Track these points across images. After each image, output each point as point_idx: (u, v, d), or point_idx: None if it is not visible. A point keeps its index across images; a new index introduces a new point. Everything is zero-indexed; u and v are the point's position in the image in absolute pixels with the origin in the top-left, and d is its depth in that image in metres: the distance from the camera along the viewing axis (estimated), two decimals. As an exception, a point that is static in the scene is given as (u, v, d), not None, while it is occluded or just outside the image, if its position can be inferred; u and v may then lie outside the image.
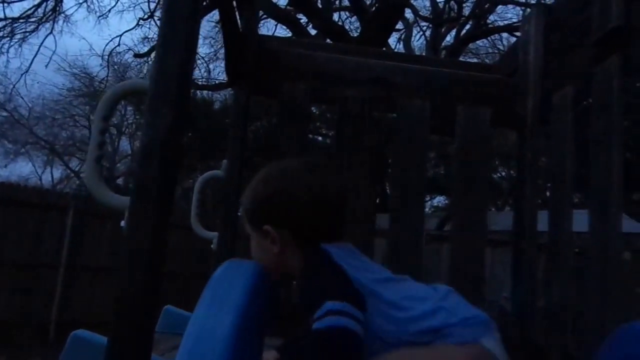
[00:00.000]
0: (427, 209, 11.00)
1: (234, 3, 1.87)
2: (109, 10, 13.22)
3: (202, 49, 12.28)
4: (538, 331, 1.67)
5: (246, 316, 0.75)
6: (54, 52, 13.18)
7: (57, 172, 20.04)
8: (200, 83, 12.35)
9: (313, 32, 9.83)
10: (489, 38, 13.08)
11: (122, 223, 1.07)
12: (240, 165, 2.01)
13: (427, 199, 10.93)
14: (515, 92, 1.91)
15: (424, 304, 1.06)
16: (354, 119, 1.96)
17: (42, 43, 12.43)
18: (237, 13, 1.94)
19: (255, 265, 0.88)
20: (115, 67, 14.73)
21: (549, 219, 1.66)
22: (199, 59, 12.84)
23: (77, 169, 17.24)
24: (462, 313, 1.07)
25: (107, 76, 13.66)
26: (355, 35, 9.37)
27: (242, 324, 0.73)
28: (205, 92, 12.96)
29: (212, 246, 3.02)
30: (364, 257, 1.15)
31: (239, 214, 1.18)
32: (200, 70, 13.21)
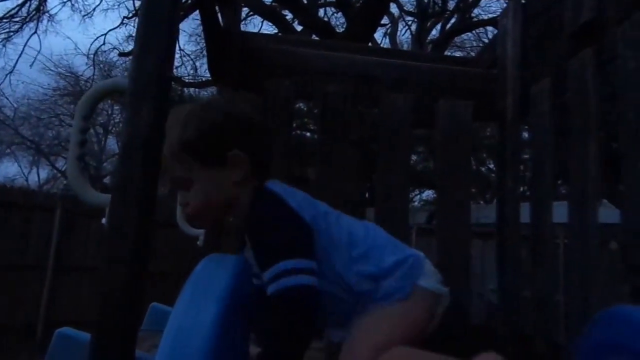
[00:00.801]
0: (416, 203, 11.06)
1: (215, 0, 1.88)
2: (94, 9, 13.11)
3: (188, 46, 12.25)
4: (524, 321, 1.70)
5: (227, 309, 0.76)
6: (38, 51, 13.05)
7: (44, 173, 19.89)
8: (186, 80, 12.31)
9: (299, 28, 9.82)
10: (474, 31, 13.14)
11: (103, 220, 1.08)
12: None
13: (416, 193, 10.98)
14: (495, 85, 1.93)
15: (364, 242, 1.15)
16: (338, 114, 1.97)
17: (26, 43, 12.31)
18: (218, 10, 1.94)
19: (236, 259, 0.89)
20: (101, 65, 14.63)
21: (531, 210, 1.69)
22: (184, 56, 12.79)
23: (63, 169, 17.08)
24: (391, 255, 1.15)
25: (92, 75, 13.56)
26: (341, 30, 9.37)
27: (223, 316, 0.74)
28: (192, 89, 12.90)
29: (198, 243, 3.03)
30: (297, 190, 1.18)
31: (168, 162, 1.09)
32: (186, 67, 13.16)
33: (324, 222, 1.13)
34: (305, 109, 9.05)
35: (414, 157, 9.25)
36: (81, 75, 15.31)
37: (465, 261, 1.89)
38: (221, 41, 1.93)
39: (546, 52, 1.77)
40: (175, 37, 1.10)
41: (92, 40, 16.34)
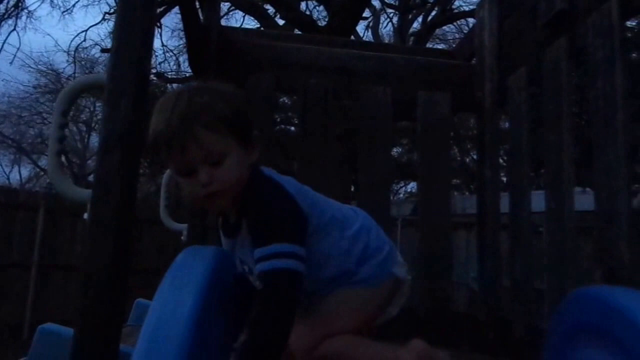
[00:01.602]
0: (401, 195, 11.12)
1: (194, -5, 1.88)
2: (73, 5, 12.91)
3: (171, 42, 12.15)
4: (503, 307, 1.73)
5: (206, 300, 0.77)
6: (18, 48, 12.88)
7: (26, 171, 19.65)
8: (169, 77, 12.21)
9: (281, 22, 9.79)
10: (455, 23, 13.19)
11: (85, 215, 1.09)
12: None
13: (401, 185, 11.02)
14: (473, 76, 1.96)
15: (353, 226, 1.21)
16: (319, 108, 1.98)
17: (5, 40, 12.11)
18: (198, 5, 1.94)
19: (215, 251, 0.91)
20: (83, 62, 14.45)
21: (509, 197, 1.72)
22: (168, 51, 12.68)
23: (46, 167, 16.91)
24: (374, 241, 1.23)
25: (74, 72, 13.39)
26: (323, 24, 9.36)
27: (201, 308, 0.74)
28: (175, 85, 12.81)
29: (182, 238, 3.03)
30: (289, 178, 1.20)
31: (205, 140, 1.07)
32: (169, 63, 13.04)
33: (316, 209, 1.17)
34: (289, 103, 9.04)
35: (398, 150, 9.29)
36: (62, 73, 15.11)
37: (447, 250, 1.93)
38: (201, 36, 1.93)
39: (522, 42, 1.80)
40: (152, 33, 1.11)
41: (73, 36, 16.11)
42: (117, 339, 1.06)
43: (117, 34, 1.03)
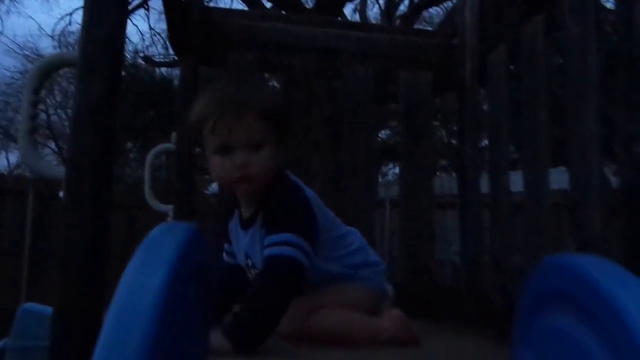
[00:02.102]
0: (390, 177, 11.16)
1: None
2: (58, -13, 12.73)
3: (159, 25, 12.00)
4: (484, 280, 1.77)
5: (177, 273, 0.76)
6: (1, 33, 12.69)
7: (14, 157, 19.48)
8: (157, 60, 12.10)
9: (269, 5, 9.71)
10: (441, 5, 13.13)
11: (61, 193, 1.09)
12: (191, 138, 2.02)
13: (390, 167, 11.06)
14: (454, 55, 1.96)
15: (354, 243, 1.36)
16: (301, 88, 1.98)
17: (-12, 24, 11.95)
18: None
19: (188, 227, 0.91)
20: (70, 47, 14.29)
21: (489, 176, 1.74)
22: (155, 35, 12.55)
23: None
24: (373, 257, 1.39)
25: (60, 57, 13.22)
26: (310, 6, 9.29)
27: (172, 280, 0.74)
28: (163, 69, 12.70)
29: (168, 219, 3.04)
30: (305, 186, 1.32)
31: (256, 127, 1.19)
32: (157, 47, 12.92)
33: (328, 223, 1.31)
34: (274, 84, 9.02)
35: (386, 132, 9.31)
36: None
37: (430, 229, 1.95)
38: (182, 15, 1.92)
39: (503, 20, 1.80)
40: (126, 6, 1.10)
41: (57, 20, 15.86)
42: (99, 318, 1.06)
43: (89, 7, 1.01)
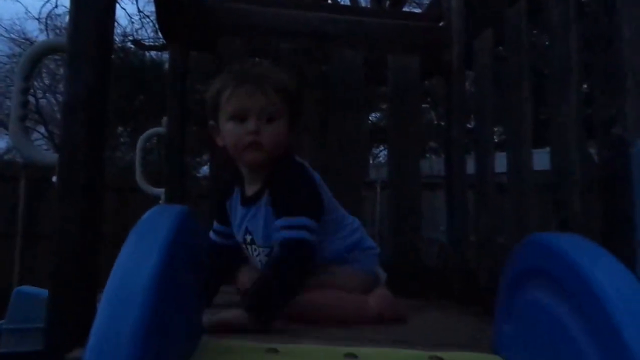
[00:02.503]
0: (380, 159, 11.20)
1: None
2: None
3: (148, 7, 11.86)
4: (470, 258, 1.82)
5: (171, 254, 0.77)
6: (-13, 16, 12.45)
7: (4, 142, 19.30)
8: (147, 44, 11.99)
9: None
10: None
11: (54, 179, 1.11)
12: (182, 122, 2.04)
13: (381, 149, 11.08)
14: (441, 38, 1.98)
15: (354, 224, 1.42)
16: (291, 72, 1.99)
17: (-26, 7, 11.73)
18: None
19: (182, 209, 0.93)
20: (56, 31, 14.09)
21: (475, 157, 1.77)
22: (144, 17, 12.41)
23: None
24: (369, 242, 1.43)
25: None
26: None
27: (167, 261, 0.75)
28: (153, 52, 12.59)
29: (160, 202, 3.05)
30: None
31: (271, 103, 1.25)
32: (146, 30, 12.78)
33: (331, 205, 1.37)
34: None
35: (377, 115, 9.31)
36: (35, 41, 14.74)
37: (417, 210, 1.98)
38: None
39: (489, 3, 1.82)
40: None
41: (44, 2, 15.60)
42: (92, 298, 1.09)
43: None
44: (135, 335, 0.64)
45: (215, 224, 1.44)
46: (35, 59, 1.41)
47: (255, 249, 1.35)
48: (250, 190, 1.34)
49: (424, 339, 1.14)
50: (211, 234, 1.45)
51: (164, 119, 2.65)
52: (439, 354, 0.95)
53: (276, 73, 1.30)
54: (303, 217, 1.22)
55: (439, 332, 1.31)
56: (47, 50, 1.42)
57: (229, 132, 1.27)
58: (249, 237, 1.34)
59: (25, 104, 1.40)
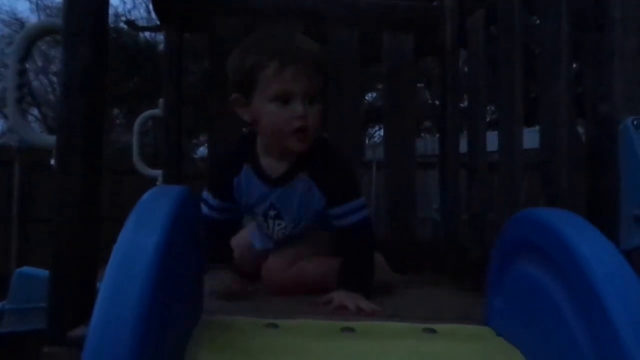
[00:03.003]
0: (376, 139, 11.21)
1: None
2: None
3: (140, -13, 11.71)
4: (462, 235, 1.85)
5: (172, 233, 0.78)
6: (-25, -3, 12.25)
7: (-2, 126, 19.15)
8: (140, 25, 11.86)
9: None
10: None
11: (52, 161, 1.12)
12: (178, 104, 2.04)
13: (377, 129, 11.08)
14: (435, 18, 1.98)
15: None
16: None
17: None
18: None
19: (181, 189, 0.94)
20: (47, 11, 13.91)
21: (468, 137, 1.79)
22: (137, -2, 12.24)
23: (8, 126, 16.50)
24: None
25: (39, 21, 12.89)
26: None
27: (167, 240, 0.76)
28: (147, 34, 12.46)
29: (157, 184, 3.07)
30: None
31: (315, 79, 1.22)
32: (139, 11, 12.63)
33: None
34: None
35: (373, 95, 9.30)
36: (26, 22, 14.55)
37: (411, 189, 2.01)
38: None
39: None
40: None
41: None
42: (93, 276, 1.11)
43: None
44: (139, 312, 0.65)
45: (211, 199, 1.40)
46: (29, 40, 1.41)
47: (279, 223, 1.38)
48: (273, 169, 1.32)
49: (417, 313, 1.18)
50: (204, 207, 1.40)
51: (161, 101, 2.65)
52: (432, 326, 0.97)
53: (313, 47, 1.25)
54: (359, 198, 1.32)
55: (432, 306, 1.34)
56: (42, 31, 1.42)
57: (271, 114, 1.21)
58: (273, 212, 1.37)
59: (21, 86, 1.41)
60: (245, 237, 1.52)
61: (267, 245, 1.46)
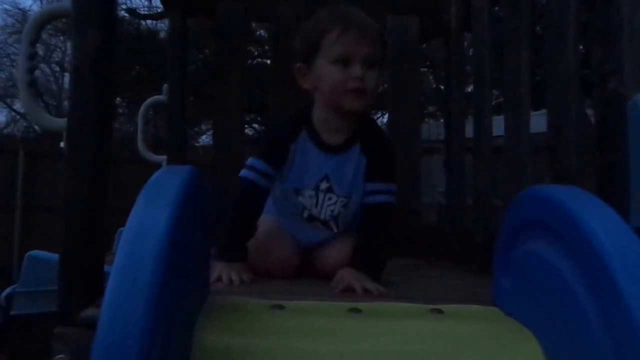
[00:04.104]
0: (382, 126, 11.18)
1: None
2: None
3: (140, -25, 11.63)
4: (467, 218, 1.85)
5: (182, 211, 0.78)
6: (-23, -13, 12.19)
7: (1, 116, 19.17)
8: (142, 12, 11.79)
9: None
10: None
11: (62, 144, 1.12)
12: (183, 90, 2.04)
13: (379, 115, 11.04)
14: (440, -1, 1.97)
15: None
16: (290, 35, 1.98)
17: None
18: None
19: (189, 170, 0.94)
20: (49, -1, 13.86)
21: (473, 120, 1.78)
22: (137, -15, 12.16)
23: (22, 111, 16.51)
24: None
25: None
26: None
27: (178, 217, 0.76)
28: (149, 21, 12.40)
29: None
30: None
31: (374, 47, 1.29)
32: (140, -1, 12.53)
33: None
34: (265, 35, 8.87)
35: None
36: (29, 11, 14.50)
37: (415, 173, 2.00)
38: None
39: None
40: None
41: (36, -29, 15.28)
42: (101, 262, 1.12)
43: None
44: (151, 290, 0.66)
45: (261, 164, 1.37)
46: (40, 24, 1.41)
47: (330, 197, 1.36)
48: (331, 137, 1.35)
49: (424, 295, 1.18)
50: (250, 173, 1.37)
51: (165, 87, 2.65)
52: (439, 307, 0.97)
53: (372, 20, 1.32)
54: (394, 183, 1.35)
55: (439, 288, 1.35)
56: (52, 15, 1.42)
57: (330, 74, 1.27)
58: (325, 185, 1.36)
59: (32, 69, 1.42)
60: (280, 229, 1.44)
61: (313, 238, 1.43)
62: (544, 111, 1.34)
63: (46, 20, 1.43)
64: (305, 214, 1.38)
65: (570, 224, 0.79)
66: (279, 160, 1.37)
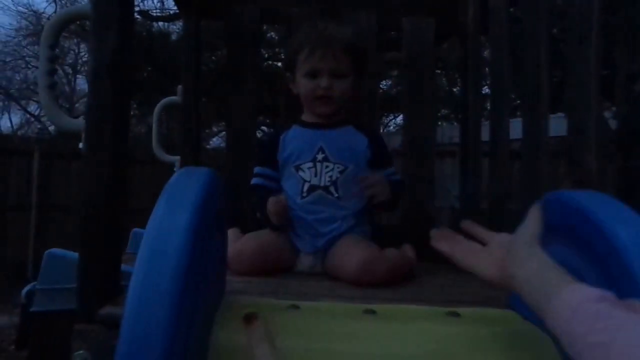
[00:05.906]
0: (391, 127, 11.14)
1: None
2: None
3: (152, -23, 11.69)
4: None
5: (202, 213, 0.79)
6: (-9, -11, 12.31)
7: (16, 118, 19.36)
8: (153, 14, 11.86)
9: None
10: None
11: (80, 145, 1.13)
12: (197, 91, 2.05)
13: (391, 117, 11.02)
14: (457, 1, 1.95)
15: None
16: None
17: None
18: None
19: (208, 172, 0.95)
20: (63, 1, 13.99)
21: (490, 123, 1.77)
22: (150, -12, 12.22)
23: (36, 113, 16.68)
24: None
25: (55, 12, 12.96)
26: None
27: (198, 219, 0.76)
28: (160, 23, 12.47)
29: (175, 169, 3.10)
30: None
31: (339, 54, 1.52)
32: (152, 1, 12.63)
33: None
34: (276, 38, 8.89)
35: (387, 83, 9.21)
36: (43, 13, 14.65)
37: (430, 177, 1.98)
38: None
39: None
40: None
41: (50, -27, 15.40)
42: (118, 261, 1.12)
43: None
44: (173, 293, 0.66)
45: (262, 169, 1.61)
46: (59, 26, 1.42)
47: (327, 165, 1.52)
48: (315, 120, 1.59)
49: (440, 297, 1.17)
50: (258, 180, 1.60)
51: (179, 88, 2.67)
52: (455, 309, 0.97)
53: (344, 35, 1.54)
54: (392, 166, 1.62)
55: (455, 292, 1.33)
56: (72, 17, 1.43)
57: (303, 85, 1.54)
58: (321, 156, 1.53)
59: (52, 72, 1.43)
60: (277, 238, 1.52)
61: (315, 243, 1.50)
62: (559, 114, 1.33)
63: (66, 22, 1.44)
64: (306, 187, 1.51)
65: (598, 233, 0.77)
66: (274, 160, 1.58)
